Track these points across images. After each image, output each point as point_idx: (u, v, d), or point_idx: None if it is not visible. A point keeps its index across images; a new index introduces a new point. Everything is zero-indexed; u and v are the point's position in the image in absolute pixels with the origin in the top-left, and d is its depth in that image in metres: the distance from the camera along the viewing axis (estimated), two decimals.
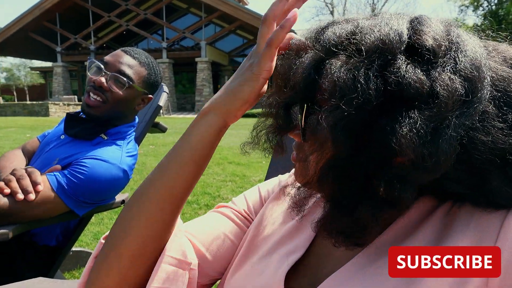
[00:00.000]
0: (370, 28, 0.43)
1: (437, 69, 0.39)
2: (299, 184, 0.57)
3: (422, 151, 0.38)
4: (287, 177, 0.70)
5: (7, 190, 1.04)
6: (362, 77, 0.39)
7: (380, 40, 0.41)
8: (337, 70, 0.41)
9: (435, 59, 0.40)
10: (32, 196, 1.06)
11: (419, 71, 0.39)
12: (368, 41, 0.41)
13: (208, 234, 0.63)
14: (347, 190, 0.45)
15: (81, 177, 1.15)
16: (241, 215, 0.67)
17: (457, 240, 0.44)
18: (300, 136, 0.49)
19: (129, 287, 0.54)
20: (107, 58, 1.25)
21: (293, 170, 0.71)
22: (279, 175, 0.74)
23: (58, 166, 1.19)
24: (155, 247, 0.55)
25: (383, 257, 0.47)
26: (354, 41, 0.43)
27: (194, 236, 0.62)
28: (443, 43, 0.41)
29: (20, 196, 1.04)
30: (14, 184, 1.06)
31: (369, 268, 0.47)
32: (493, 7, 19.57)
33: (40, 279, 0.96)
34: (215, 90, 22.13)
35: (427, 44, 0.40)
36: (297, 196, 0.59)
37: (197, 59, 19.66)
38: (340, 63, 0.41)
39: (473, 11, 20.90)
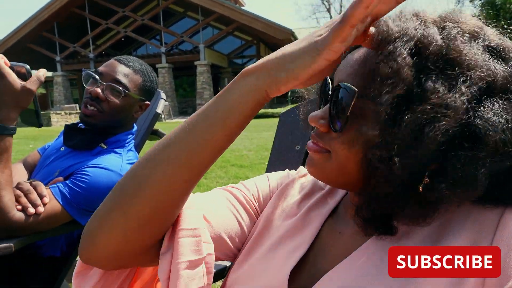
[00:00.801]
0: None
1: None
2: (311, 175, 0.55)
3: (502, 136, 0.40)
4: (296, 173, 0.70)
5: (19, 206, 1.05)
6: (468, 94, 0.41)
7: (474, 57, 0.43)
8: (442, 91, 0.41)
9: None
10: (41, 209, 1.07)
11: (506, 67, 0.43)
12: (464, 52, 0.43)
13: (221, 215, 0.61)
14: (399, 183, 0.43)
15: (83, 185, 1.15)
16: (251, 201, 0.66)
17: (454, 239, 0.44)
18: (330, 126, 0.48)
19: (131, 248, 0.51)
20: (101, 68, 1.27)
21: (301, 168, 0.71)
22: (287, 170, 0.73)
23: (61, 178, 1.19)
24: (166, 216, 0.51)
25: (380, 252, 0.48)
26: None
27: (208, 212, 0.59)
28: None
29: (31, 210, 1.05)
30: (24, 199, 1.07)
31: (367, 263, 0.48)
32: None
33: None
34: (216, 92, 22.10)
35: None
36: (309, 187, 0.60)
37: (196, 63, 19.69)
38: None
39: (470, 1, 20.79)
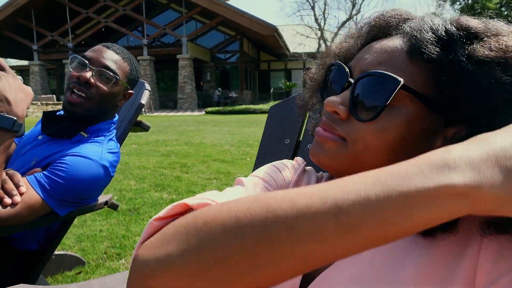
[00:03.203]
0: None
1: None
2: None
3: None
4: (298, 164, 0.66)
5: None
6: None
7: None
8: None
9: None
10: (17, 198, 1.03)
11: None
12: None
13: None
14: None
15: (62, 174, 1.11)
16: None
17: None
18: (353, 114, 0.46)
19: None
20: (89, 53, 1.23)
21: (299, 158, 0.68)
22: (284, 160, 0.67)
23: (38, 169, 1.15)
24: None
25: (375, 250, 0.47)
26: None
27: None
28: None
29: (8, 200, 1.01)
30: None
31: (364, 258, 0.46)
32: (470, 1, 19.99)
33: (22, 286, 0.93)
34: (198, 87, 21.94)
35: None
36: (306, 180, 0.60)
37: (178, 56, 19.45)
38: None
39: (450, 5, 21.32)
